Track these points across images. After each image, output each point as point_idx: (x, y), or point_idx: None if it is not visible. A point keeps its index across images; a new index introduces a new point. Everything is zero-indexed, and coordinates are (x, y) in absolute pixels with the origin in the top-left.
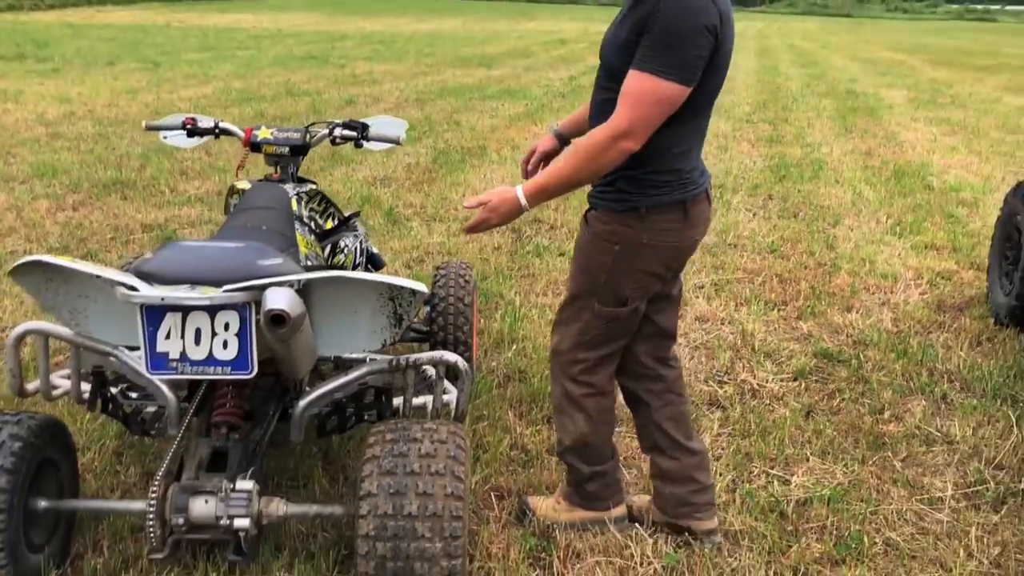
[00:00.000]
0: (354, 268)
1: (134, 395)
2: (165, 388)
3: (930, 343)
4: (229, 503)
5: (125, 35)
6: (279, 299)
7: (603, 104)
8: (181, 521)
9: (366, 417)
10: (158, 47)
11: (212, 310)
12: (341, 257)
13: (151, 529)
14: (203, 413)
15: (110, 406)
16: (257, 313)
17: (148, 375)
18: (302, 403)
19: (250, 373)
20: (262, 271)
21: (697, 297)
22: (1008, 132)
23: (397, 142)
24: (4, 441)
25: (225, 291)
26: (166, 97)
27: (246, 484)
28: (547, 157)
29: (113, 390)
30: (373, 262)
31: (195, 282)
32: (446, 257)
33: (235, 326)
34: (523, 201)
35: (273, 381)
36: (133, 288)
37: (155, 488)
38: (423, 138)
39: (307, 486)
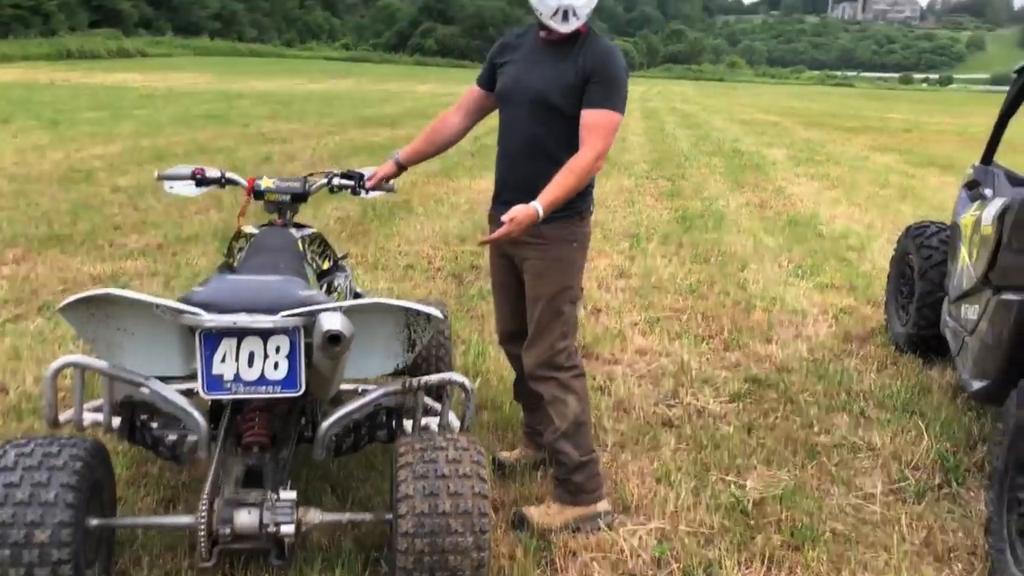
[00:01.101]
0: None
1: (155, 424)
2: (197, 413)
3: (844, 368)
4: (275, 512)
5: (10, 93)
6: (335, 321)
7: (535, 137)
8: (228, 531)
9: (378, 436)
10: (49, 105)
11: (265, 334)
12: (335, 295)
13: (201, 540)
14: (230, 436)
15: (139, 434)
16: (307, 337)
17: (204, 395)
18: (325, 424)
19: (299, 391)
20: (307, 299)
21: (634, 333)
22: (880, 187)
23: (391, 190)
24: (66, 462)
25: (283, 316)
26: (75, 155)
27: (289, 494)
28: (386, 178)
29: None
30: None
31: (250, 310)
32: None
33: (285, 349)
34: (541, 212)
35: (290, 406)
36: (198, 314)
37: (203, 503)
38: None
39: (320, 497)
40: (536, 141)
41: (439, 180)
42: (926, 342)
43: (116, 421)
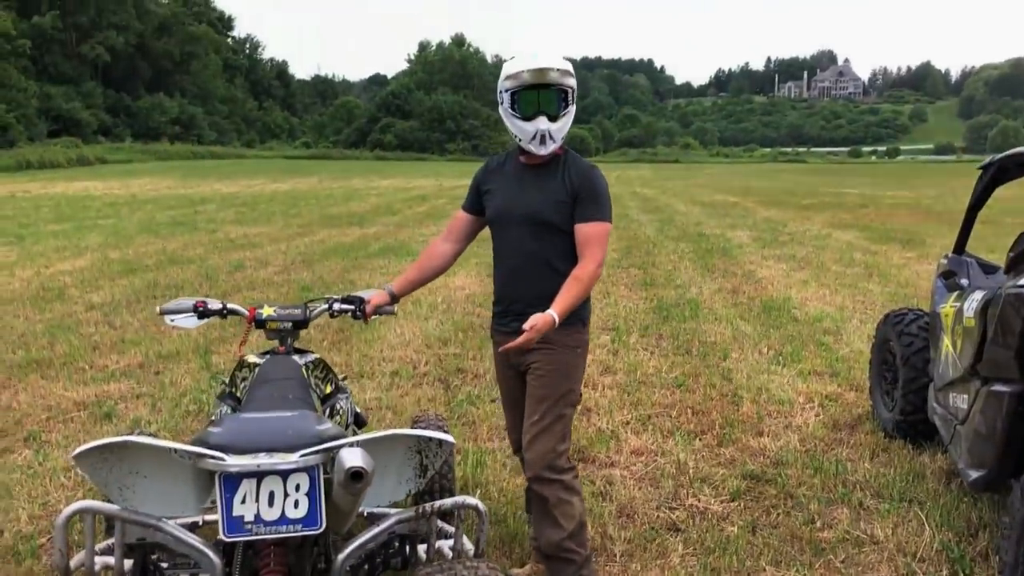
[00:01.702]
0: (346, 428)
1: (164, 565)
2: (211, 553)
3: (838, 458)
4: None
5: None
6: (356, 458)
7: (535, 253)
8: None
9: (392, 564)
10: (12, 219)
11: (285, 474)
12: (337, 418)
13: None
14: (245, 573)
15: None
16: (327, 472)
17: (225, 538)
18: (340, 557)
19: (319, 528)
20: (323, 434)
21: (627, 432)
22: (846, 265)
23: (392, 312)
24: None
25: (302, 455)
26: (45, 272)
27: None
28: (379, 310)
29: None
30: (357, 421)
31: (270, 449)
32: (384, 412)
33: (305, 487)
34: (557, 320)
35: (303, 540)
36: (221, 459)
37: None
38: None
39: None
40: (536, 257)
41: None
42: (914, 427)
43: (127, 564)
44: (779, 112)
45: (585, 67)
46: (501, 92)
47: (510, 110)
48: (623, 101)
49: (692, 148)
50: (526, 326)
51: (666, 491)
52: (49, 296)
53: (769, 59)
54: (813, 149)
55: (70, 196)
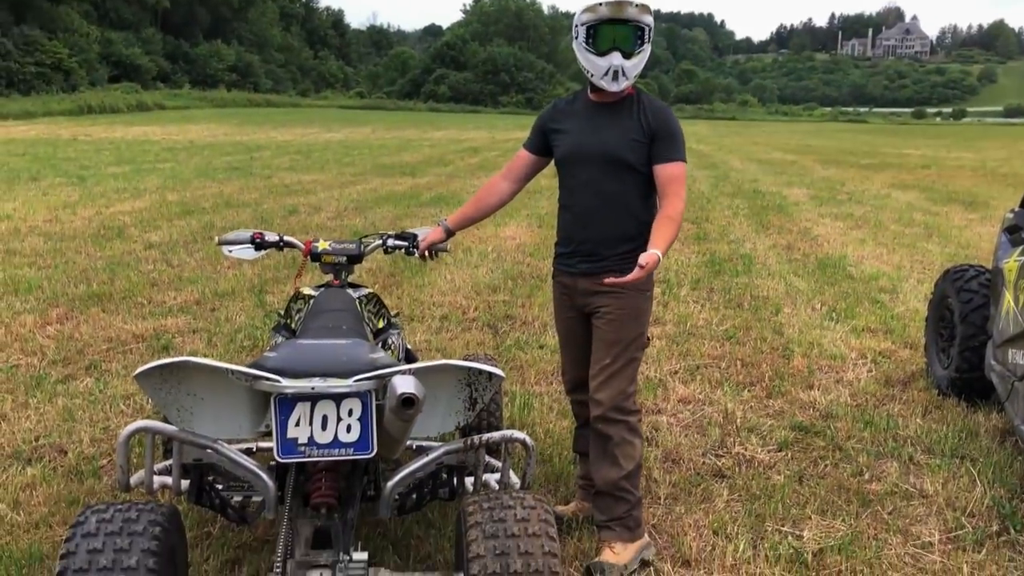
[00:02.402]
0: (400, 362)
1: (220, 486)
2: (265, 476)
3: (889, 413)
4: (349, 573)
5: (35, 150)
6: (408, 384)
7: (613, 194)
8: None
9: (440, 495)
10: (74, 161)
11: (338, 398)
12: (389, 352)
13: None
14: (297, 497)
15: (207, 498)
16: (379, 399)
17: (279, 459)
18: (390, 484)
19: (371, 453)
20: (377, 363)
21: (675, 382)
22: (905, 225)
23: (446, 250)
24: (145, 527)
25: (356, 380)
26: (105, 212)
27: (361, 555)
28: (434, 245)
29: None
30: (408, 358)
31: (324, 374)
32: (434, 355)
33: (358, 412)
34: (662, 258)
35: (355, 466)
36: (277, 381)
37: (277, 565)
38: None
39: (383, 556)
40: (613, 197)
41: (466, 228)
42: (970, 385)
43: (184, 484)
44: (841, 71)
45: None
46: (576, 25)
47: (584, 44)
48: (681, 56)
49: (750, 105)
50: (642, 261)
51: (713, 439)
52: (109, 234)
53: (833, 15)
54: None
55: (130, 140)
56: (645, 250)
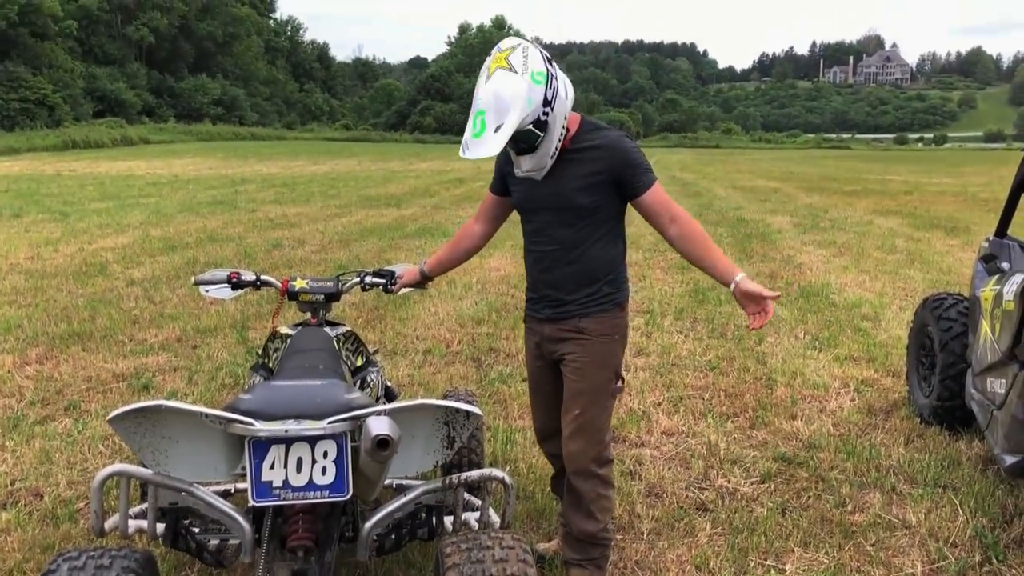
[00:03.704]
0: (377, 401)
1: (196, 529)
2: (241, 518)
3: (871, 443)
4: None
5: (19, 185)
6: (383, 426)
7: (569, 237)
8: None
9: (419, 535)
10: (57, 197)
11: (313, 440)
12: (368, 391)
13: None
14: (274, 539)
15: (183, 541)
16: (353, 440)
17: (254, 503)
18: (368, 525)
19: (346, 495)
20: (352, 404)
21: (658, 413)
22: (887, 252)
23: (423, 289)
24: (118, 574)
25: (330, 422)
26: (88, 248)
27: None
28: (409, 285)
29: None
30: (388, 395)
31: (299, 416)
32: (416, 389)
33: (333, 454)
34: (745, 278)
35: (332, 507)
36: (250, 424)
37: None
38: None
39: None
40: (569, 243)
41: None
42: (951, 413)
43: (160, 528)
44: (823, 98)
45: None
46: None
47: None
48: (664, 85)
49: (734, 133)
50: (764, 293)
51: (696, 472)
52: (91, 271)
53: (814, 43)
54: (858, 136)
55: (114, 175)
56: (609, 292)
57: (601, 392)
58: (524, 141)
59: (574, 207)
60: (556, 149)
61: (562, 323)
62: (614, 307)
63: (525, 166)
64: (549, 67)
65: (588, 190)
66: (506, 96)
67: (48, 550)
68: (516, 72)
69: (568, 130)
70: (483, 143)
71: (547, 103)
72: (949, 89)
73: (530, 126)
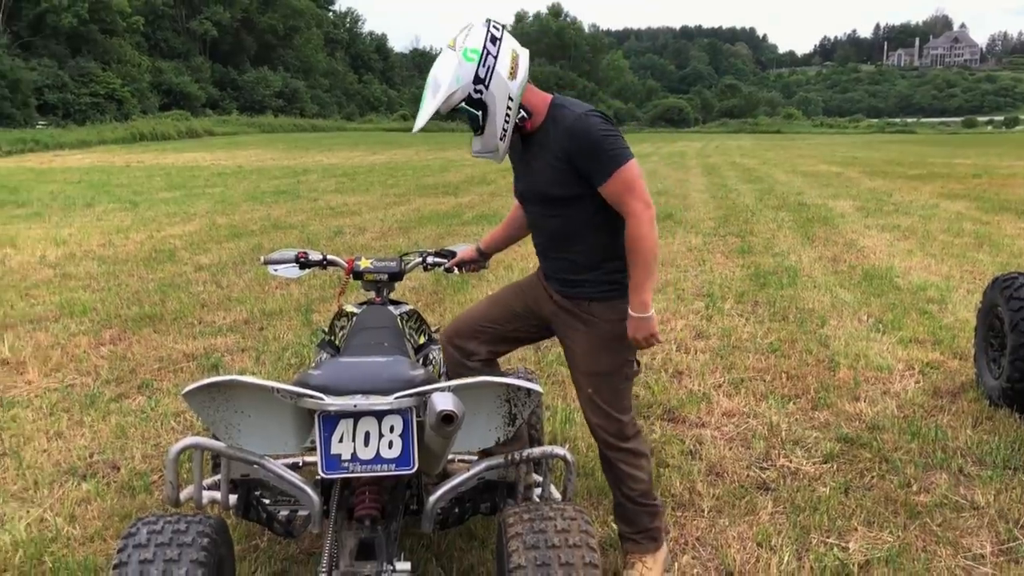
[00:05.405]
0: (439, 378)
1: (266, 500)
2: (310, 490)
3: (937, 424)
4: None
5: (90, 177)
6: (448, 401)
7: (557, 229)
8: None
9: (481, 509)
10: (127, 187)
11: (380, 415)
12: (430, 368)
13: None
14: (342, 510)
15: (254, 512)
16: (419, 416)
17: (323, 475)
18: (433, 498)
19: (412, 468)
20: (417, 379)
21: (719, 395)
22: (954, 235)
23: (482, 268)
24: (194, 538)
25: (396, 397)
26: (157, 235)
27: (404, 565)
28: (464, 262)
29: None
30: None
31: (366, 392)
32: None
33: (399, 428)
34: (647, 314)
35: (398, 480)
36: (320, 398)
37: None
38: None
39: (426, 567)
40: (559, 232)
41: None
42: (1022, 395)
43: (232, 499)
44: (887, 81)
45: (685, 36)
46: None
47: None
48: (724, 71)
49: (795, 119)
50: (635, 340)
51: (757, 451)
52: (161, 257)
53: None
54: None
55: (180, 166)
56: (618, 278)
57: (612, 376)
58: (469, 120)
59: (551, 199)
60: (505, 131)
61: (573, 301)
62: (623, 294)
63: (475, 147)
64: (490, 45)
65: (558, 181)
66: (438, 74)
67: (125, 518)
68: (454, 50)
69: (533, 113)
70: (417, 119)
71: (479, 80)
72: (1021, 70)
73: (463, 104)
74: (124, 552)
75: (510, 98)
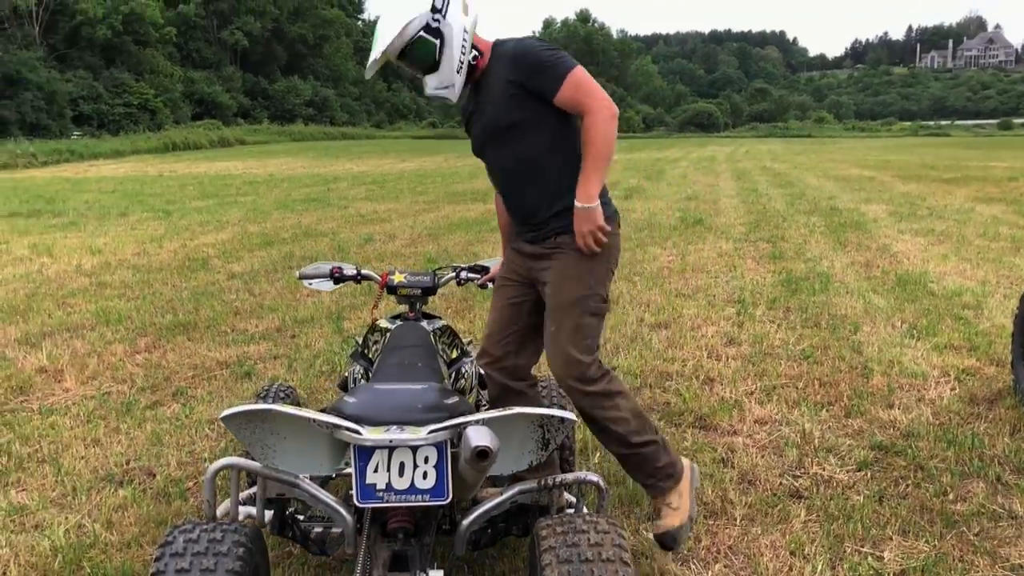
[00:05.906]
0: (471, 391)
1: (301, 518)
2: (343, 510)
3: (974, 432)
4: None
5: (124, 187)
6: (483, 437)
7: (520, 160)
8: None
9: (513, 532)
10: (160, 196)
11: (415, 446)
12: (463, 382)
13: None
14: (375, 525)
15: (289, 529)
16: (453, 447)
17: (358, 504)
18: (465, 522)
19: (446, 499)
20: (452, 408)
21: (751, 402)
22: (990, 240)
23: None
24: (230, 548)
25: (430, 431)
26: (190, 244)
27: (437, 573)
28: (494, 278)
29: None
30: (482, 383)
31: (401, 423)
32: None
33: (433, 459)
34: (589, 205)
35: None
36: (356, 432)
37: None
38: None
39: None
40: (522, 163)
41: None
42: None
43: (267, 515)
44: (920, 84)
45: (714, 40)
46: None
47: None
48: (753, 75)
49: (826, 122)
50: (579, 242)
51: (790, 459)
52: (194, 266)
53: (910, 28)
54: (958, 122)
55: (212, 175)
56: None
57: (575, 306)
58: (423, 56)
59: (507, 126)
60: (462, 63)
61: (542, 243)
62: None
63: (432, 84)
64: None
65: (513, 107)
66: (388, 15)
67: (161, 524)
68: None
69: (482, 55)
70: (372, 53)
71: (436, 10)
72: None
73: (421, 32)
74: (161, 561)
75: (465, 30)
